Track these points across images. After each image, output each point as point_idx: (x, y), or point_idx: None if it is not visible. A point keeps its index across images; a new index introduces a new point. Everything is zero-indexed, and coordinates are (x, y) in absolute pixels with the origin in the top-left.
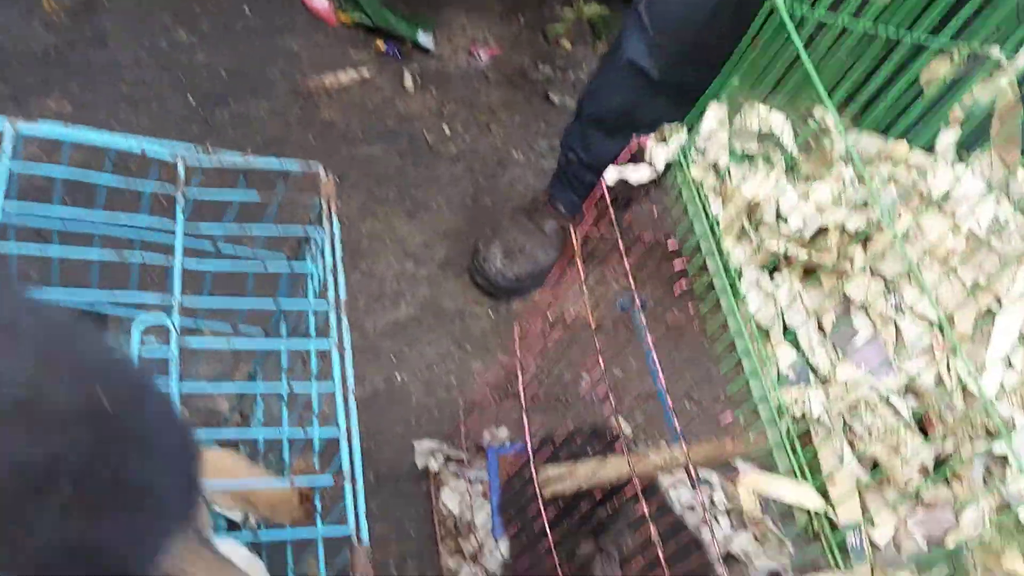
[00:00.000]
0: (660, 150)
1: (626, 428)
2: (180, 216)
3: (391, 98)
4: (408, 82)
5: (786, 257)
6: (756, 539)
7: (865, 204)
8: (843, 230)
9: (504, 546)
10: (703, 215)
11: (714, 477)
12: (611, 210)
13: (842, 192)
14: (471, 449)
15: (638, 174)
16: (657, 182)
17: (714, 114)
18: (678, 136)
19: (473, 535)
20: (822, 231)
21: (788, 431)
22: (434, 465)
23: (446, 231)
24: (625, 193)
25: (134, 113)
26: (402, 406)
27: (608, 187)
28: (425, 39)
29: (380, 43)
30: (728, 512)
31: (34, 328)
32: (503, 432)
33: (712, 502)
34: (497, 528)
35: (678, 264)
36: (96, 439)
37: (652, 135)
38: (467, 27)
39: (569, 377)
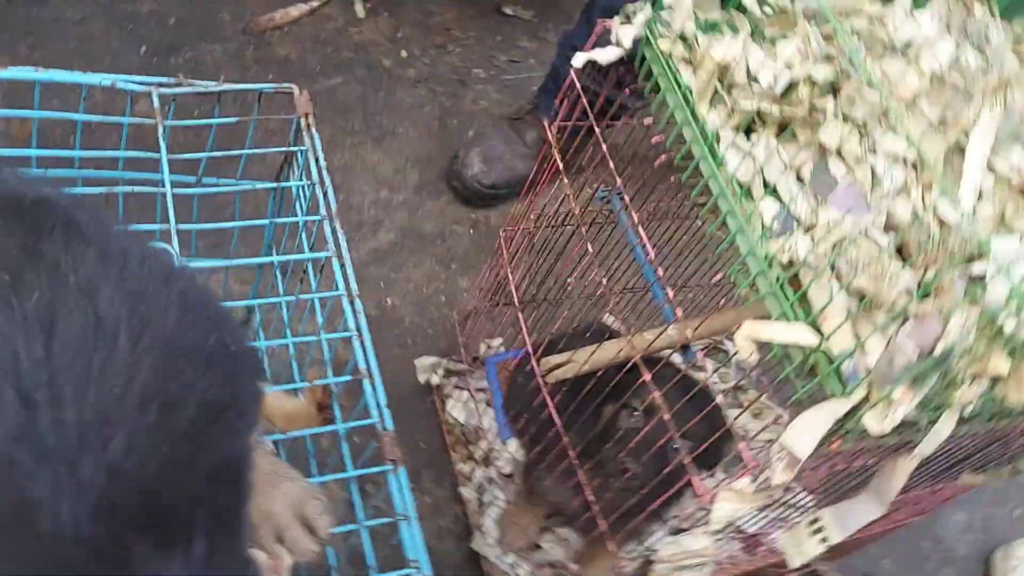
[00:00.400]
0: (626, 29)
1: (618, 326)
2: (163, 145)
3: (343, 27)
4: (359, 9)
5: (760, 116)
6: (754, 416)
7: (830, 57)
8: (812, 83)
9: (513, 446)
10: (675, 86)
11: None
12: (583, 97)
13: (807, 47)
14: (470, 362)
15: (606, 55)
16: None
17: None
18: (643, 12)
19: (482, 439)
20: (792, 86)
21: (778, 278)
22: (436, 379)
23: (416, 156)
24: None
25: (88, 69)
26: (396, 329)
27: (583, 86)
28: None
29: None
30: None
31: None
32: (498, 342)
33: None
34: (504, 430)
35: (656, 138)
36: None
37: (616, 16)
38: None
39: (557, 280)
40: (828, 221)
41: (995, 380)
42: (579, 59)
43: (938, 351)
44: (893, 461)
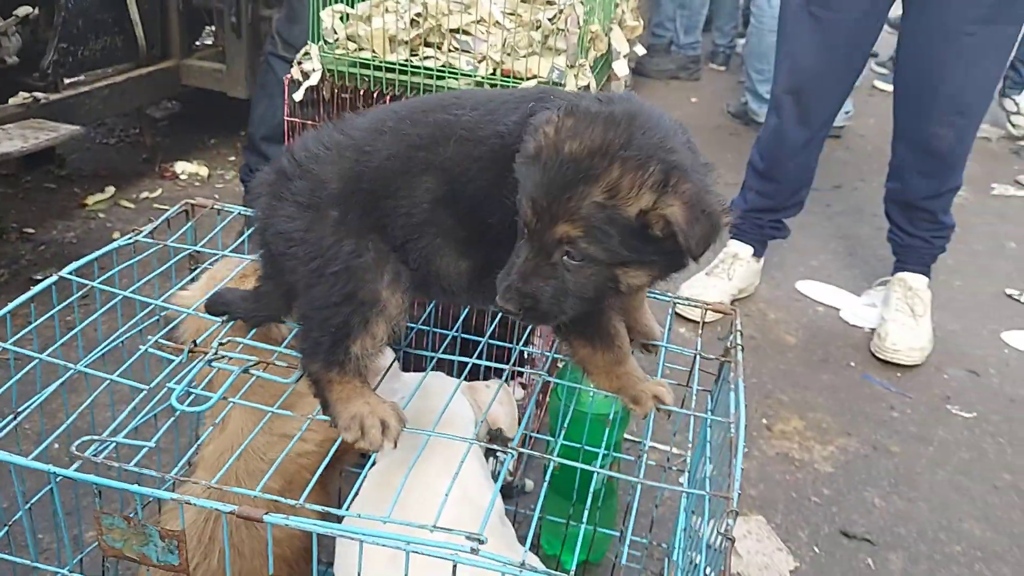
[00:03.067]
0: (308, 63)
1: None
2: None
3: None
4: None
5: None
6: None
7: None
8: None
9: None
10: (358, 63)
11: None
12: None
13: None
14: None
15: (310, 80)
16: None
17: (329, 14)
18: (313, 48)
19: None
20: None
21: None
22: None
23: None
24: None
25: None
26: None
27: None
28: None
29: None
30: None
31: None
32: None
33: None
34: None
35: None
36: None
37: (294, 67)
38: None
39: None
40: None
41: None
42: (299, 93)
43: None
44: None
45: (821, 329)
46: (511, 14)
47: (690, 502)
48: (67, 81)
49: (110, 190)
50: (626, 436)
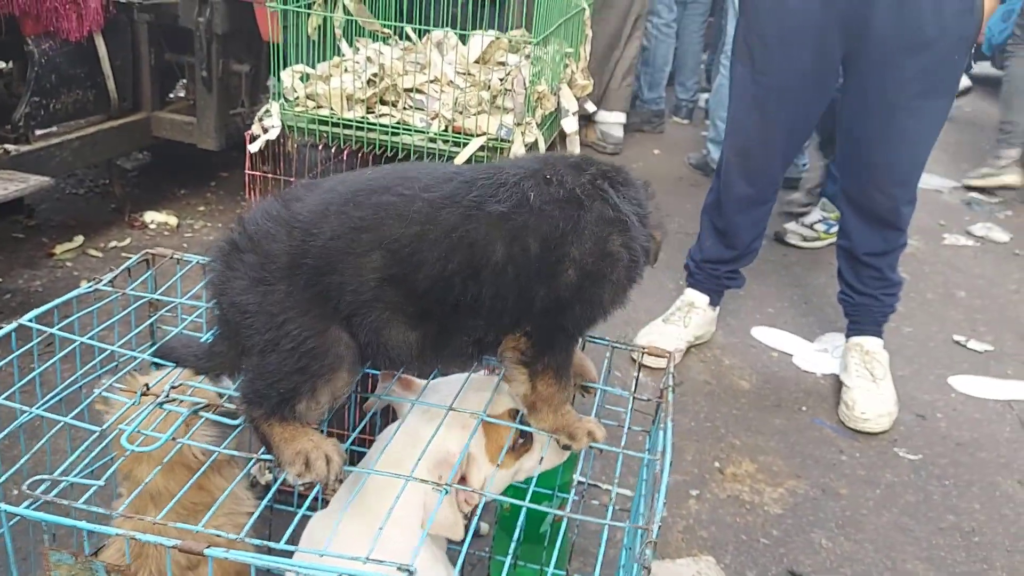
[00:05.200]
0: (269, 120)
1: None
2: None
3: None
4: None
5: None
6: None
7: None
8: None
9: None
10: (315, 120)
11: None
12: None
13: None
14: None
15: (269, 135)
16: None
17: (289, 74)
18: (273, 106)
19: None
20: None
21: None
22: None
23: None
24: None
25: None
26: None
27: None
28: None
29: None
30: None
31: None
32: None
33: None
34: None
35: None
36: None
37: (256, 123)
38: None
39: None
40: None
41: (540, 101)
42: (255, 146)
43: (523, 97)
44: None
45: (774, 375)
46: (464, 74)
47: (629, 539)
48: (38, 133)
49: (79, 239)
50: (582, 479)
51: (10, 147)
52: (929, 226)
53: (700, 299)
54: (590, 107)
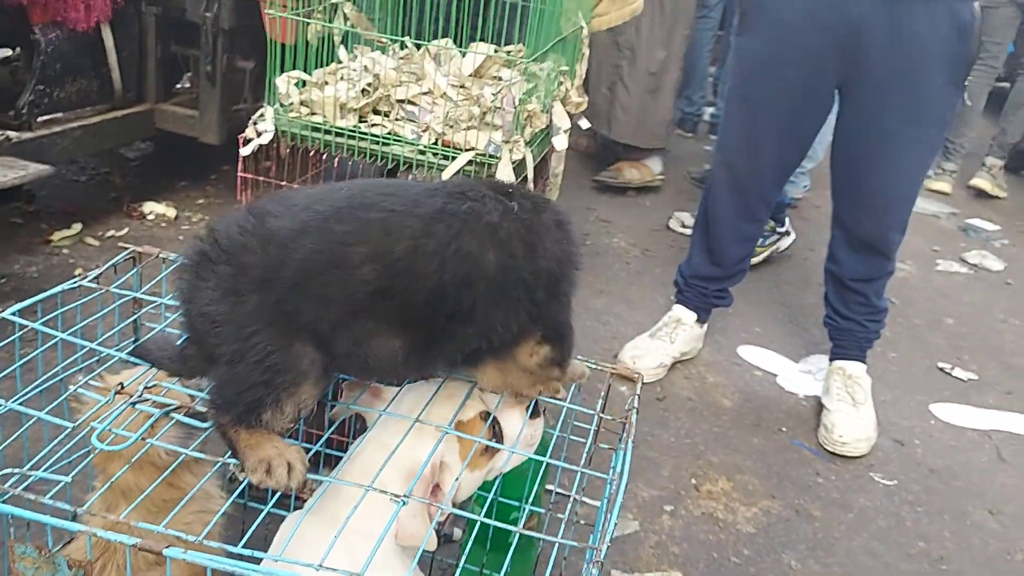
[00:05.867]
0: (263, 124)
1: None
2: None
3: None
4: None
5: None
6: None
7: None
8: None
9: None
10: (309, 127)
11: None
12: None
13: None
14: None
15: (262, 139)
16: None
17: (284, 80)
18: (268, 110)
19: None
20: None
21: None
22: None
23: None
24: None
25: None
26: None
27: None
28: None
29: None
30: None
31: None
32: None
33: None
34: None
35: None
36: None
37: (250, 126)
38: None
39: None
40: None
41: (530, 119)
42: (246, 150)
43: (512, 116)
44: None
45: (757, 394)
46: (459, 87)
47: (591, 556)
48: (41, 120)
49: (77, 227)
50: (557, 490)
51: (12, 134)
52: (923, 251)
53: (687, 316)
54: (584, 123)
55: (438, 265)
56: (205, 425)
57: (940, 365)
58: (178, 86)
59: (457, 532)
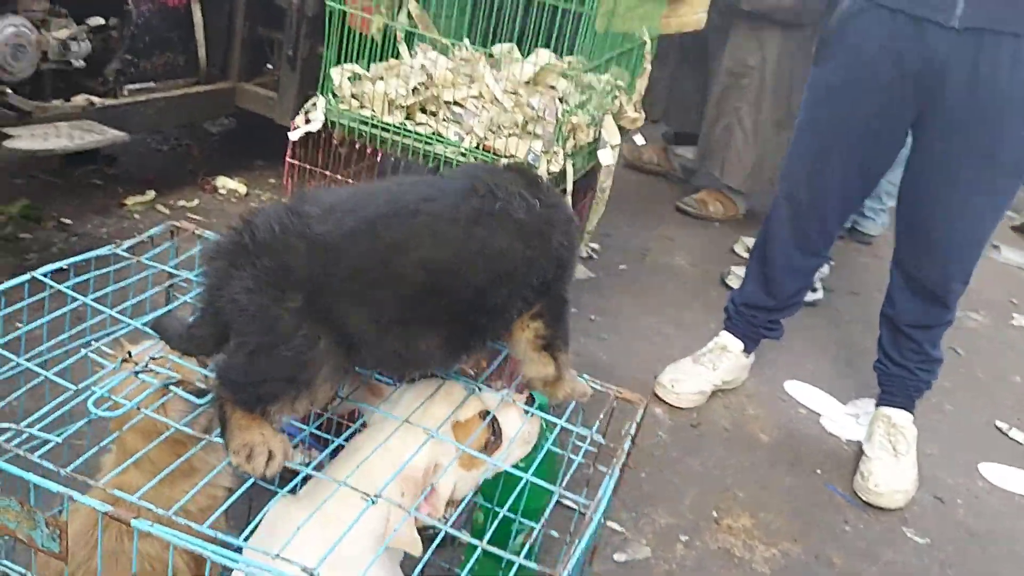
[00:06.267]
0: (313, 113)
1: None
2: None
3: None
4: None
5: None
6: None
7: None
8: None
9: None
10: (358, 119)
11: None
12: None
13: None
14: None
15: (310, 126)
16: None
17: (338, 72)
18: (319, 100)
19: None
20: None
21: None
22: None
23: None
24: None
25: None
26: None
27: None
28: None
29: None
30: None
31: None
32: None
33: None
34: None
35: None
36: None
37: (301, 113)
38: None
39: None
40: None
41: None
42: (294, 134)
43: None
44: None
45: (797, 431)
46: (512, 93)
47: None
48: (126, 89)
49: (151, 194)
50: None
51: (96, 100)
52: (999, 302)
53: (734, 344)
54: (639, 139)
55: (481, 265)
56: (201, 401)
57: (998, 424)
58: (268, 66)
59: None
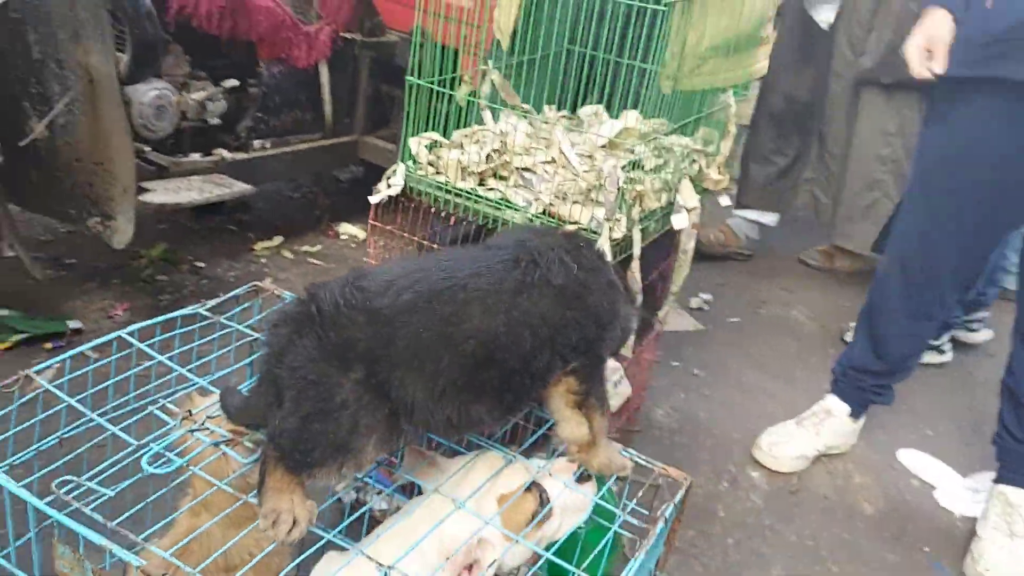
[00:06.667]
0: (394, 179)
1: None
2: None
3: None
4: None
5: (472, 174)
6: None
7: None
8: (493, 153)
9: None
10: (434, 186)
11: None
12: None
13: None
14: None
15: (390, 191)
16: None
17: (416, 142)
18: (399, 167)
19: None
20: (487, 157)
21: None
22: None
23: None
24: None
25: None
26: None
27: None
28: (74, 323)
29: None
30: None
31: None
32: None
33: None
34: None
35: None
36: None
37: (383, 179)
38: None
39: None
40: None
41: (640, 199)
42: (375, 198)
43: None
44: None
45: (906, 504)
46: (587, 156)
47: None
48: (256, 144)
49: (278, 240)
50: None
51: (227, 154)
52: None
53: (839, 408)
54: (724, 200)
55: (525, 332)
56: (247, 460)
57: None
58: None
59: None
